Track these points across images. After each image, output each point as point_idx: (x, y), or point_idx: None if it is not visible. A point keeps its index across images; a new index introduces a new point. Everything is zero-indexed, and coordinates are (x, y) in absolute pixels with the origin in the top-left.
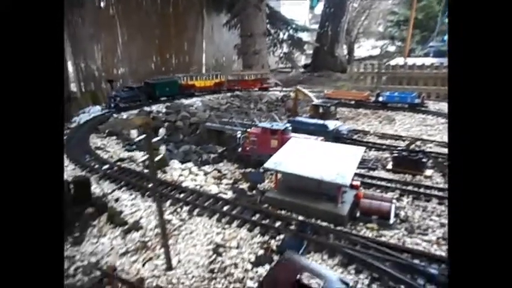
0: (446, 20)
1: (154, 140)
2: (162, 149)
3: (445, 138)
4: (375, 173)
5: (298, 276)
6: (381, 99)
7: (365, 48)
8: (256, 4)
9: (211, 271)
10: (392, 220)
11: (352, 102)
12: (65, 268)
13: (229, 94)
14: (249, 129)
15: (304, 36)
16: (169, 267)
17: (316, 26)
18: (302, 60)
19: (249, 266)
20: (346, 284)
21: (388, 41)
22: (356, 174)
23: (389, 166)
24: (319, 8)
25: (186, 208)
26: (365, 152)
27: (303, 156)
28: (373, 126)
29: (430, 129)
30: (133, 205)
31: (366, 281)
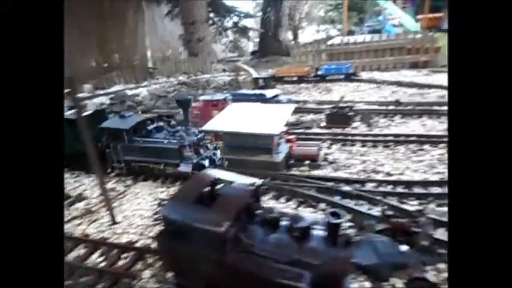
0: (380, 1)
1: None
2: None
3: (372, 98)
4: (311, 131)
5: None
6: (319, 72)
7: (309, 32)
8: None
9: (156, 219)
10: (321, 162)
11: (295, 78)
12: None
13: (175, 82)
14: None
15: (250, 23)
16: (114, 222)
17: (260, 14)
18: (250, 47)
19: None
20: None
21: (329, 25)
22: (294, 133)
23: (323, 124)
24: None
25: (130, 177)
26: (303, 116)
27: (239, 117)
28: (313, 97)
29: (362, 93)
30: (76, 181)
31: (294, 206)
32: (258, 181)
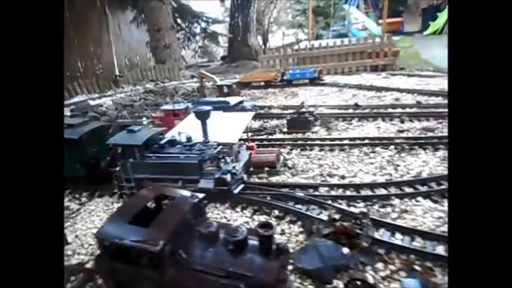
0: (344, 6)
1: None
2: None
3: (334, 102)
4: (274, 137)
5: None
6: (285, 77)
7: (279, 36)
8: None
9: None
10: (280, 168)
11: (262, 83)
12: None
13: (142, 90)
14: (153, 114)
15: (220, 28)
16: (65, 242)
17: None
18: (221, 52)
19: None
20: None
21: (298, 29)
22: (257, 140)
23: (285, 129)
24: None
25: (85, 194)
26: (267, 122)
27: (199, 127)
28: (279, 101)
29: (325, 97)
30: None
31: (249, 214)
32: (199, 196)
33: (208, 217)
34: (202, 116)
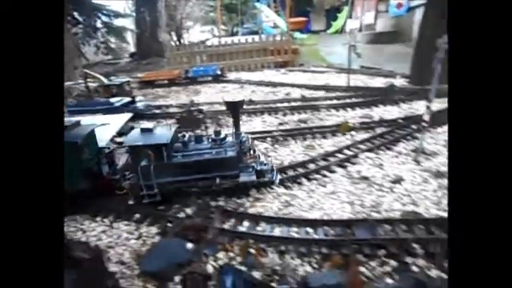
0: (256, 4)
1: None
2: None
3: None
4: None
5: None
6: (189, 75)
7: (195, 33)
8: None
9: None
10: None
11: (166, 81)
12: None
13: None
14: None
15: (127, 23)
16: None
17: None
18: (132, 48)
19: None
20: None
21: (212, 25)
22: None
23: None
24: None
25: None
26: (161, 121)
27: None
28: (181, 100)
29: (226, 94)
30: None
31: (109, 222)
32: None
33: None
34: (234, 107)
